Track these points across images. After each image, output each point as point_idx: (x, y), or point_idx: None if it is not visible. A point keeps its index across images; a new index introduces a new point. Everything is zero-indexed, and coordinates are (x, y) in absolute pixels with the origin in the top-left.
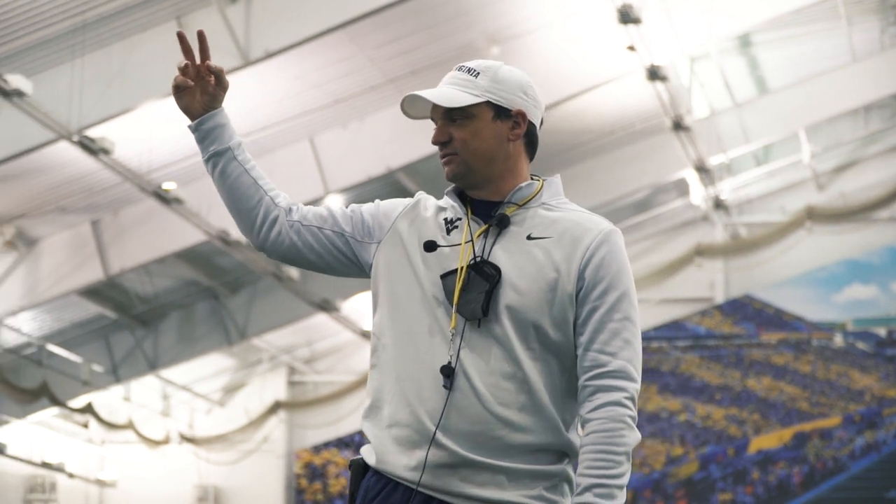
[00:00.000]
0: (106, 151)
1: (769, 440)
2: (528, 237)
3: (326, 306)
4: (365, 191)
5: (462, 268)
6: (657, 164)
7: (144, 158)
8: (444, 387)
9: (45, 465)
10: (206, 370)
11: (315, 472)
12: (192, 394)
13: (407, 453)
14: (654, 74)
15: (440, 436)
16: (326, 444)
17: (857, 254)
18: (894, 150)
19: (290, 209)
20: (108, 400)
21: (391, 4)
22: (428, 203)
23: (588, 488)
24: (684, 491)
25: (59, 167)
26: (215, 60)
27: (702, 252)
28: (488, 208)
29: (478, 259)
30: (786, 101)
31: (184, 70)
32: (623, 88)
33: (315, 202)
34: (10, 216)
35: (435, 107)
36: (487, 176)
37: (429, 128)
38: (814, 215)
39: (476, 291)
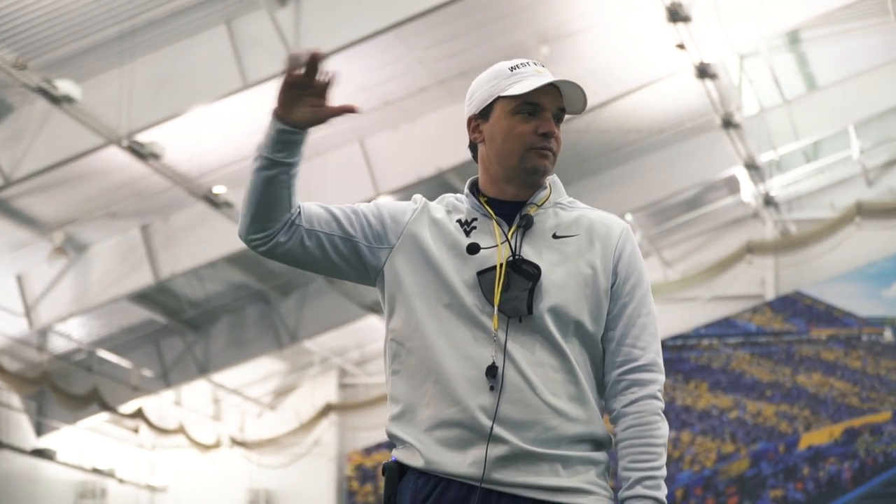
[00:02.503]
0: (156, 156)
1: (819, 436)
2: (554, 236)
3: (377, 308)
4: (415, 192)
5: (501, 265)
6: (707, 161)
7: (194, 163)
8: (492, 387)
9: (95, 470)
10: (256, 374)
11: (366, 475)
12: (243, 397)
13: (460, 452)
14: (704, 72)
15: (497, 429)
16: (378, 446)
17: None
18: None
19: (298, 213)
20: (158, 405)
21: (441, 6)
22: (433, 206)
23: (638, 481)
24: (735, 488)
25: (108, 172)
26: (264, 63)
27: (752, 249)
28: (506, 209)
29: (515, 257)
30: (835, 98)
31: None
32: (673, 87)
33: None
34: (60, 222)
35: (554, 99)
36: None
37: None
38: (863, 211)
39: (518, 289)
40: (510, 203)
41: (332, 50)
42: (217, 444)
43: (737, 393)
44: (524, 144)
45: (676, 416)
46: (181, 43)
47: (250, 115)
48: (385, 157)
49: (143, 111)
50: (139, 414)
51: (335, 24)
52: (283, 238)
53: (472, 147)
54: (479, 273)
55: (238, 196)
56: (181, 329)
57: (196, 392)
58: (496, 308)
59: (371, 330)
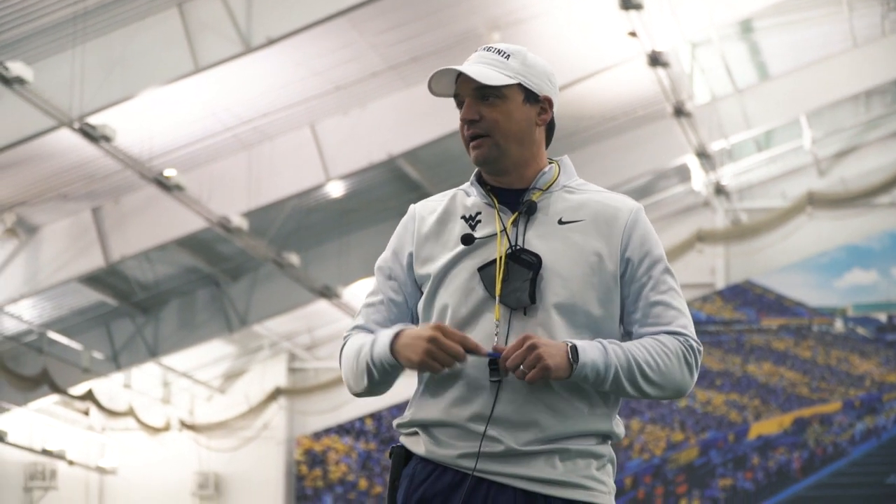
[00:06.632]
0: (107, 139)
1: (769, 426)
2: (560, 222)
3: (327, 293)
4: (366, 177)
5: (501, 257)
6: (658, 149)
7: (145, 145)
8: (492, 381)
9: (45, 452)
10: (206, 357)
11: (315, 459)
12: (193, 381)
13: (458, 446)
14: (656, 60)
15: (491, 430)
16: (327, 431)
17: (858, 239)
18: (895, 135)
19: None
20: (108, 387)
21: None
22: (429, 208)
23: (605, 344)
24: (684, 476)
25: (60, 154)
26: (216, 47)
27: (703, 238)
28: (511, 196)
29: (515, 248)
30: (787, 87)
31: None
32: (624, 74)
33: (316, 189)
34: (11, 203)
35: (464, 84)
36: (516, 160)
37: (432, 114)
38: (814, 201)
39: (519, 280)
40: (515, 190)
41: (284, 34)
42: (166, 427)
43: None
44: (464, 138)
45: (626, 403)
46: (133, 26)
47: (201, 98)
48: (336, 141)
49: (94, 94)
50: (89, 396)
51: (287, 8)
52: None
53: None
54: (480, 269)
55: (188, 179)
56: (131, 312)
57: (146, 375)
58: (497, 300)
59: (321, 314)
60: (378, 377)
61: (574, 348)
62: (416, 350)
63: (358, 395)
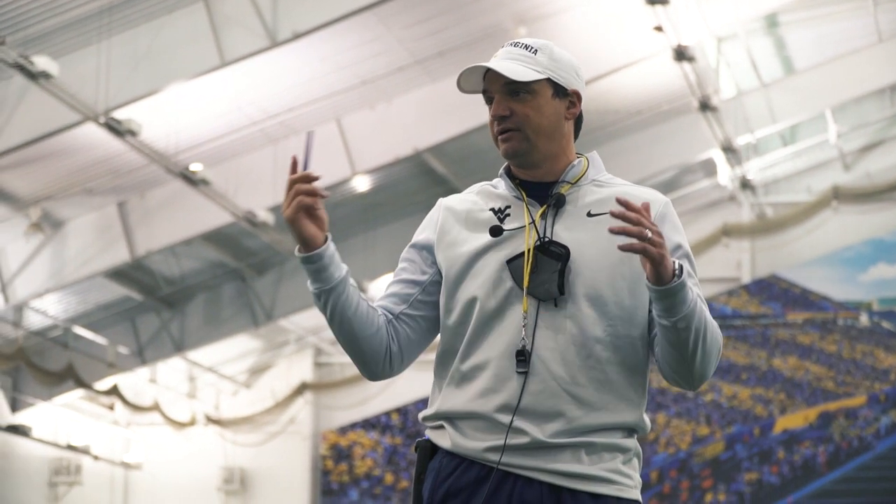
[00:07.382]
0: (133, 133)
1: (795, 420)
2: (589, 214)
3: None
4: (392, 172)
5: (529, 249)
6: (684, 144)
7: (171, 140)
8: (519, 372)
9: (70, 447)
10: (232, 352)
11: (341, 454)
12: (219, 375)
13: (484, 439)
14: (681, 55)
15: (518, 422)
16: (353, 426)
17: (883, 233)
18: None
19: (388, 319)
20: (133, 382)
21: None
22: (458, 200)
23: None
24: (710, 470)
25: (85, 149)
26: (242, 41)
27: (728, 232)
28: (540, 190)
29: (543, 240)
30: (812, 81)
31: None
32: (650, 69)
33: (342, 183)
34: (37, 198)
35: (493, 80)
36: (546, 153)
37: (458, 108)
38: (840, 195)
39: (548, 272)
40: (544, 184)
41: (310, 28)
42: (192, 422)
43: (712, 376)
44: (493, 134)
45: (652, 398)
46: (159, 20)
47: (227, 92)
48: (362, 136)
49: (120, 88)
50: (114, 391)
51: (314, 2)
52: (395, 347)
53: None
54: (509, 261)
55: (214, 173)
56: (157, 306)
57: (171, 369)
58: (525, 292)
59: None
60: (323, 296)
61: (681, 267)
62: (286, 213)
63: (357, 358)
